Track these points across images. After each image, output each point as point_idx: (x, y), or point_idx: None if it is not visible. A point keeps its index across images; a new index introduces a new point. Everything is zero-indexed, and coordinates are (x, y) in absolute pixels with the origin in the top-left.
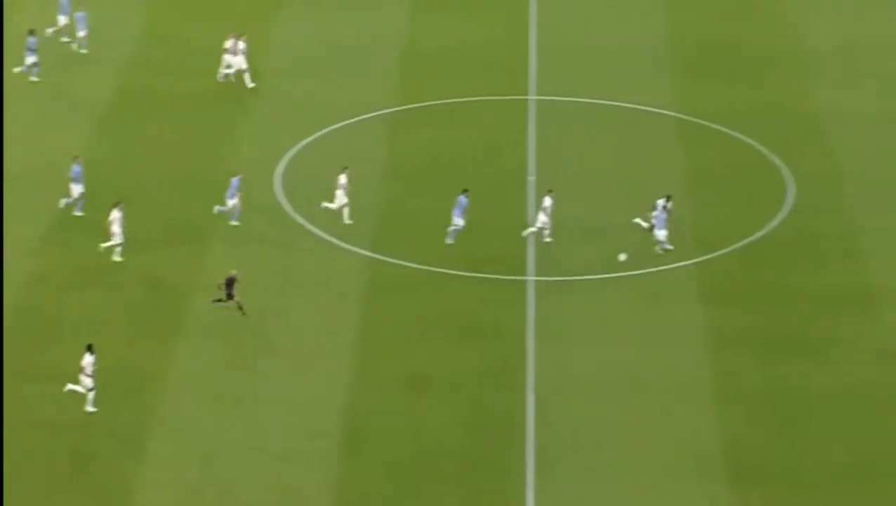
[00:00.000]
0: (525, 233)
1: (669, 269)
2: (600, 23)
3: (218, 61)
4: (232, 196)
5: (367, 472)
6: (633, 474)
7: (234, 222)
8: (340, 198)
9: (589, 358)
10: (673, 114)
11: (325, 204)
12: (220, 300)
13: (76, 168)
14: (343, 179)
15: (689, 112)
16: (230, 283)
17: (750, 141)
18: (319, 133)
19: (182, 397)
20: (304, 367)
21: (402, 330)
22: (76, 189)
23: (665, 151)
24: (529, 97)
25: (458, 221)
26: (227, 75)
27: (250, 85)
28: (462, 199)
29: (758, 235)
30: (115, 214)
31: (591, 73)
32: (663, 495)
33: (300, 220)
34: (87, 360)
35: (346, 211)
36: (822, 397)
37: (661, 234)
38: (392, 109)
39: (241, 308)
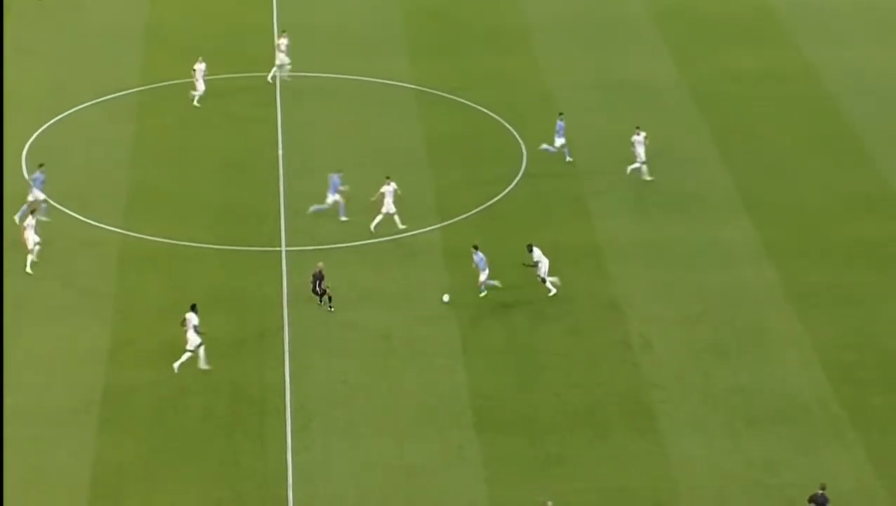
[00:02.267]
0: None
1: (415, 235)
2: (346, 11)
3: None
4: (333, 192)
5: (124, 447)
6: (387, 428)
7: (343, 218)
8: (388, 206)
9: (342, 320)
10: (411, 86)
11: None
12: (323, 293)
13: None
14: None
15: (426, 84)
16: (318, 278)
17: (484, 110)
18: (65, 113)
19: None
20: (57, 344)
21: (155, 303)
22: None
23: (405, 123)
24: (275, 74)
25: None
26: None
27: None
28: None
29: (496, 199)
30: None
31: (332, 50)
32: (416, 445)
33: (50, 201)
34: (191, 317)
35: (396, 218)
36: (554, 348)
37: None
38: (137, 89)
39: (329, 299)
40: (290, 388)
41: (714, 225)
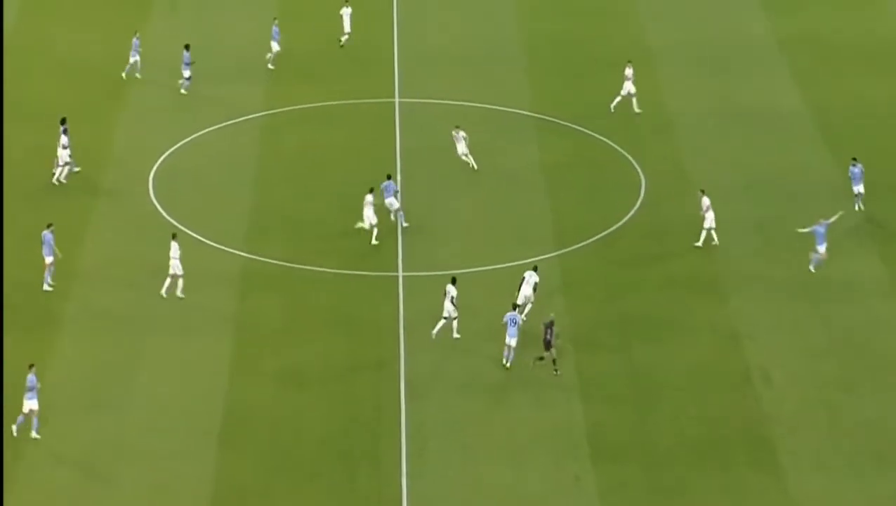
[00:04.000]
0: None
1: (532, 262)
2: (457, 27)
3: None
4: (389, 196)
5: (243, 466)
6: (503, 456)
7: (404, 224)
8: (370, 218)
9: (458, 347)
10: (530, 113)
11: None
12: (541, 358)
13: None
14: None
15: (545, 111)
16: (550, 328)
17: (603, 138)
18: (192, 136)
19: (57, 399)
20: (181, 364)
21: (275, 325)
22: None
23: (524, 150)
24: (395, 100)
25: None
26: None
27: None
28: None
29: (614, 227)
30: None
31: (450, 76)
32: (532, 473)
33: (174, 222)
34: (450, 289)
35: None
36: (672, 378)
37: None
38: (261, 113)
39: (554, 361)
40: (406, 413)
41: (840, 257)
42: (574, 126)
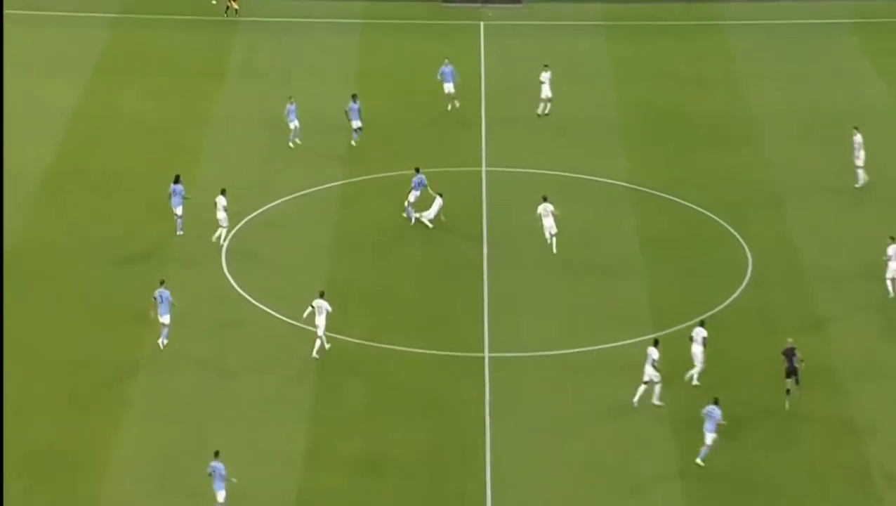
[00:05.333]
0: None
1: (627, 345)
2: (554, 101)
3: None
4: (417, 188)
5: None
6: None
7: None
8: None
9: (545, 433)
10: (625, 184)
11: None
12: (792, 375)
13: None
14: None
15: (641, 182)
16: (790, 355)
17: (704, 211)
18: (268, 205)
19: (123, 480)
20: (253, 448)
21: (353, 407)
22: None
23: (619, 223)
24: (482, 168)
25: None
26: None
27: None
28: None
29: (717, 308)
30: None
31: (540, 143)
32: None
33: (248, 297)
34: (652, 352)
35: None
36: (783, 473)
37: None
38: (340, 182)
39: (797, 384)
40: (492, 502)
41: None
42: (673, 198)
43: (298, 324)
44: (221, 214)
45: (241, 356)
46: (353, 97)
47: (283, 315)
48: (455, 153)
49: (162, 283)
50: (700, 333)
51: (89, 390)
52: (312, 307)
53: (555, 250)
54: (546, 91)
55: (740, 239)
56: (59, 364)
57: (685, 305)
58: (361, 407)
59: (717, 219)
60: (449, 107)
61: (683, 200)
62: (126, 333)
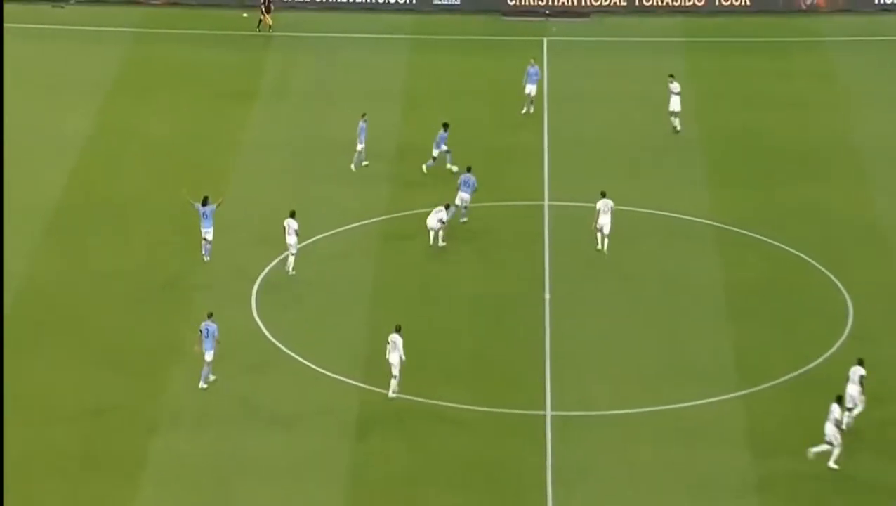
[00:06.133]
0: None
1: (708, 403)
2: (617, 118)
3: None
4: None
5: None
6: None
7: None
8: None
9: (611, 501)
10: (708, 221)
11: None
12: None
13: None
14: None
15: (727, 220)
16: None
17: (797, 252)
18: (303, 243)
19: None
20: None
21: (397, 469)
22: None
23: (701, 265)
24: (544, 202)
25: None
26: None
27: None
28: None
29: (813, 363)
30: None
31: (610, 175)
32: None
33: (278, 344)
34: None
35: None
36: None
37: None
38: (381, 218)
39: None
40: None
41: None
42: (762, 237)
43: (337, 376)
44: (292, 239)
45: (273, 407)
46: (445, 126)
47: (318, 366)
48: (514, 184)
49: (210, 316)
50: (857, 371)
51: (103, 446)
52: (388, 342)
53: (606, 252)
54: (675, 104)
55: (839, 284)
56: (69, 416)
57: (775, 360)
58: (405, 470)
59: (813, 261)
60: (524, 110)
61: (774, 240)
62: (145, 380)
